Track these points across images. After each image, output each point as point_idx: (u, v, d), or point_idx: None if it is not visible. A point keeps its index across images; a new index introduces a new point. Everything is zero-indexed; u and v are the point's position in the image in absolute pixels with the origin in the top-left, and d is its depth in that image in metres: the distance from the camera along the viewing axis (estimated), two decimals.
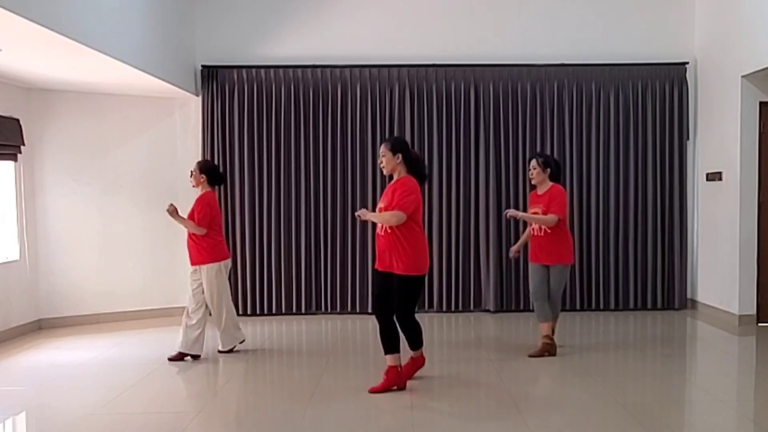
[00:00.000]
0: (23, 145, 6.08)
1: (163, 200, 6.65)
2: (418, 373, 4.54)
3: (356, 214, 4.44)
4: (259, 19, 6.81)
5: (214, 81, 6.73)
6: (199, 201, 5.15)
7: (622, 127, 6.79)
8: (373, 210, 4.62)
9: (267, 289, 6.80)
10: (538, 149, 6.74)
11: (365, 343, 5.84)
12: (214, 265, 5.12)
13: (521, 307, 6.81)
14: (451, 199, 6.78)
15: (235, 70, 6.73)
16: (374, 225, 4.62)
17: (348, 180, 6.77)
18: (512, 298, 6.83)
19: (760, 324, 6.10)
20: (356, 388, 4.41)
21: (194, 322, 5.15)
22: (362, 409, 4.08)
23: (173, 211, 5.07)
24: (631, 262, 6.80)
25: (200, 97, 6.77)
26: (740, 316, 6.10)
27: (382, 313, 4.32)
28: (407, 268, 4.20)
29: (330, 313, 6.85)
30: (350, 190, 6.77)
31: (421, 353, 4.51)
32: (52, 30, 4.15)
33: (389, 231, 4.22)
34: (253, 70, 6.73)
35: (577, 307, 6.82)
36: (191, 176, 5.26)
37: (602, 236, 6.81)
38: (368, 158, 6.73)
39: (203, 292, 5.17)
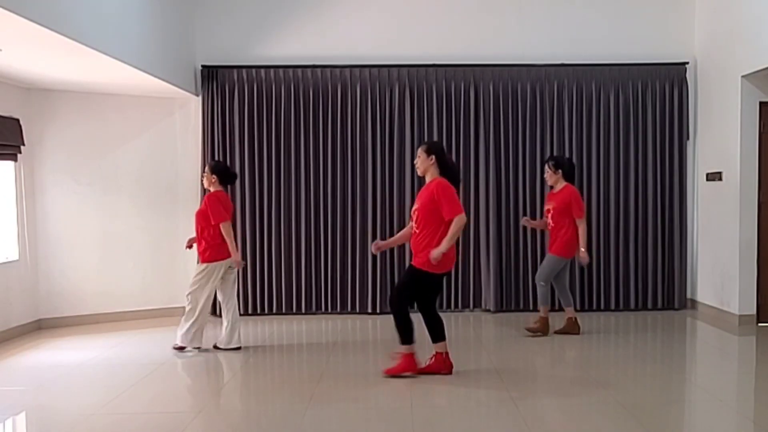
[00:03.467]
0: (23, 145, 6.08)
1: (163, 200, 6.74)
2: (418, 372, 4.55)
3: (432, 259, 4.31)
4: (259, 19, 6.81)
5: (214, 81, 6.73)
6: (209, 198, 5.24)
7: (622, 127, 6.79)
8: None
9: (267, 289, 6.80)
10: (538, 149, 6.75)
11: (365, 343, 5.84)
12: (205, 266, 5.24)
13: (521, 306, 6.81)
14: None
15: (235, 70, 6.73)
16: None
17: (348, 180, 6.77)
18: (512, 298, 6.83)
19: (760, 324, 6.10)
20: (356, 388, 4.42)
21: (227, 317, 5.39)
22: (362, 409, 4.08)
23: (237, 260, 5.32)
24: (632, 262, 6.80)
25: (200, 97, 6.77)
26: (740, 316, 6.09)
27: (419, 308, 4.57)
28: (429, 265, 4.37)
29: (330, 313, 6.85)
30: (350, 190, 6.77)
31: (446, 352, 4.59)
32: (52, 30, 4.15)
33: (422, 230, 4.43)
34: (253, 70, 6.73)
35: (577, 307, 6.77)
36: (203, 177, 5.42)
37: (602, 236, 6.81)
38: (368, 158, 6.73)
39: (231, 286, 5.39)
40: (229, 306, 5.37)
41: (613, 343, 5.74)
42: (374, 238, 6.73)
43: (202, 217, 5.25)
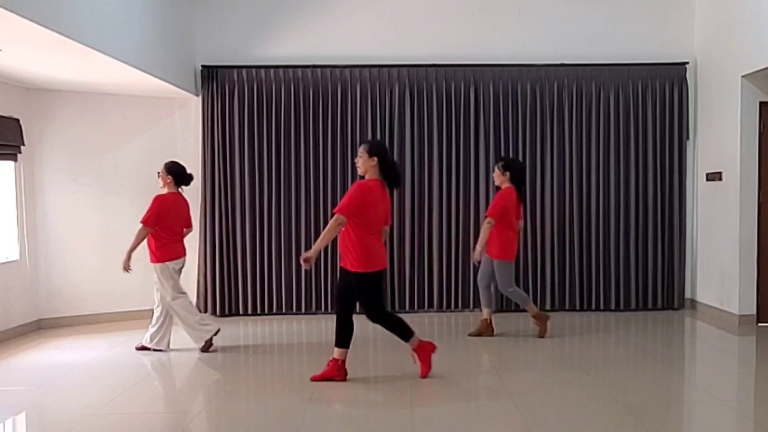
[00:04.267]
0: (23, 145, 6.09)
1: None
2: (417, 372, 4.55)
3: (302, 259, 4.28)
4: (259, 19, 6.81)
5: (214, 81, 6.73)
6: (155, 200, 5.25)
7: (622, 127, 6.79)
8: None
9: (267, 289, 6.80)
10: (538, 149, 6.76)
11: (365, 343, 5.84)
12: (158, 266, 5.25)
13: (521, 306, 6.79)
14: (451, 198, 6.78)
15: (235, 70, 6.73)
16: None
17: (348, 180, 6.76)
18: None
19: (760, 324, 6.10)
20: (356, 388, 4.42)
21: (154, 319, 5.39)
22: (362, 408, 4.08)
23: (126, 264, 5.20)
24: (632, 262, 6.80)
25: (200, 97, 6.77)
26: (740, 316, 6.10)
27: (337, 308, 4.51)
28: (357, 266, 4.32)
29: (330, 313, 6.82)
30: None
31: (419, 341, 4.56)
32: (52, 30, 4.15)
33: (343, 230, 4.34)
34: (253, 70, 6.74)
35: (577, 307, 6.82)
36: (158, 176, 5.37)
37: (602, 236, 6.81)
38: None
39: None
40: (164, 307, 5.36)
41: (613, 343, 5.74)
42: None
43: None
